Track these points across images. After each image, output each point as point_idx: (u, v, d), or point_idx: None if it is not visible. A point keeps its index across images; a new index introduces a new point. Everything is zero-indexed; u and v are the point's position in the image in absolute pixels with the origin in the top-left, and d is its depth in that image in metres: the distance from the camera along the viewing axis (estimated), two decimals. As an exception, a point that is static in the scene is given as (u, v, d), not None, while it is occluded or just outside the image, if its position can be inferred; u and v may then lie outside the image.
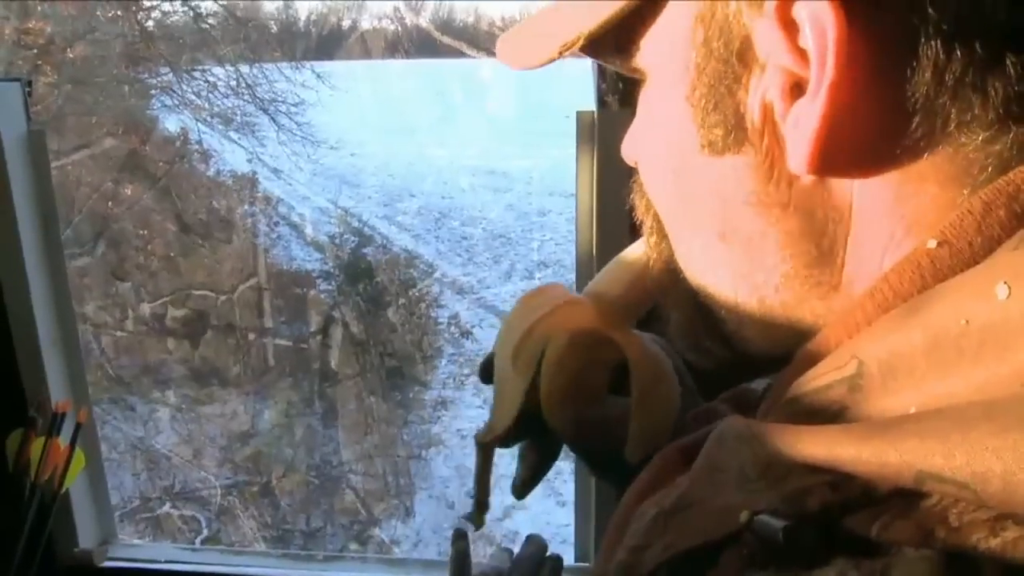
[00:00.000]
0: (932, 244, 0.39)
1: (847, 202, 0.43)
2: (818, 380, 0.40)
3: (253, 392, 6.32)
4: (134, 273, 6.38)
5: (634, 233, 1.37)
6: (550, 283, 0.81)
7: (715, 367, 0.61)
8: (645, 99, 0.53)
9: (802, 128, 0.41)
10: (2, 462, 1.41)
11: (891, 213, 0.42)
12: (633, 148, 0.58)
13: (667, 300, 0.59)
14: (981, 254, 0.38)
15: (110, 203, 6.39)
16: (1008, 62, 0.37)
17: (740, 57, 0.42)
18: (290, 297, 6.86)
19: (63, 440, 1.44)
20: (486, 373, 0.85)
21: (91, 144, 6.21)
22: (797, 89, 0.41)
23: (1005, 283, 0.34)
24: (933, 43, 0.37)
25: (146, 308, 6.23)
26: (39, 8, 6.04)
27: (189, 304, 6.32)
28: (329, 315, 6.69)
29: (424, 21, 10.54)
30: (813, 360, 0.43)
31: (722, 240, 0.49)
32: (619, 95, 1.26)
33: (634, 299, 0.76)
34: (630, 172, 1.32)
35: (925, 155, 0.40)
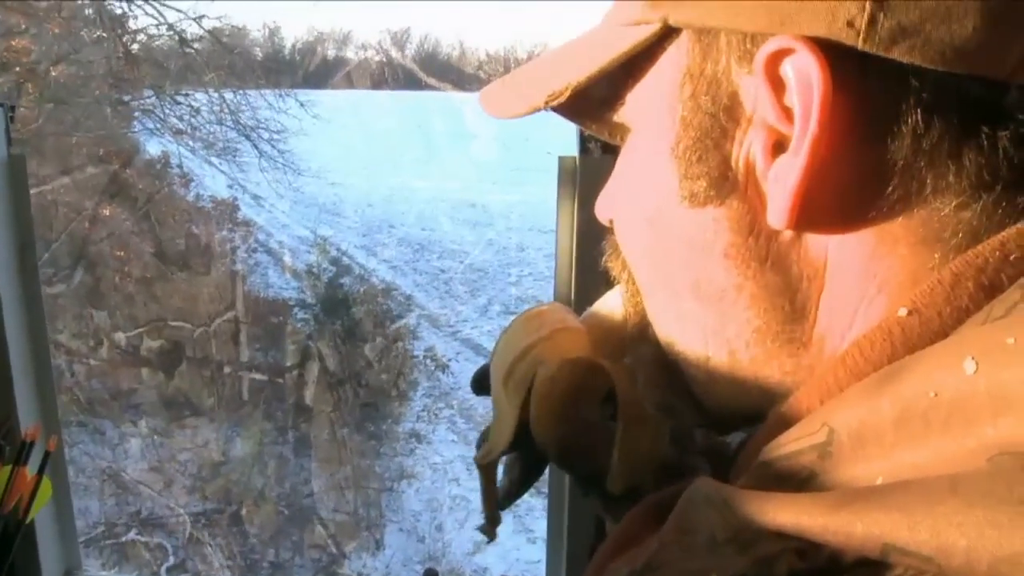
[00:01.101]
0: (903, 312, 0.40)
1: (822, 259, 0.43)
2: (789, 446, 0.40)
3: (226, 422, 6.27)
4: (111, 301, 6.34)
5: (613, 282, 1.38)
6: (552, 304, 0.80)
7: (683, 426, 0.61)
8: (625, 153, 0.53)
9: (782, 183, 0.41)
10: (-33, 489, 1.39)
11: (864, 272, 0.42)
12: (608, 205, 0.58)
13: (635, 358, 0.59)
14: (950, 324, 0.39)
15: (87, 224, 6.35)
16: (983, 134, 0.38)
17: (727, 112, 0.43)
18: (266, 326, 6.83)
19: (31, 469, 1.41)
20: (478, 385, 0.84)
21: (72, 170, 6.19)
22: (779, 147, 0.41)
23: (972, 358, 0.34)
24: (914, 111, 0.38)
25: (121, 337, 6.18)
26: (23, 27, 6.03)
27: (165, 335, 6.28)
28: (305, 346, 6.66)
29: (409, 55, 10.61)
30: (784, 424, 0.43)
31: (694, 292, 0.49)
32: (601, 142, 1.27)
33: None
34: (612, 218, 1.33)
35: (900, 217, 0.41)
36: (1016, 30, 0.36)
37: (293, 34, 10.56)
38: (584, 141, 1.29)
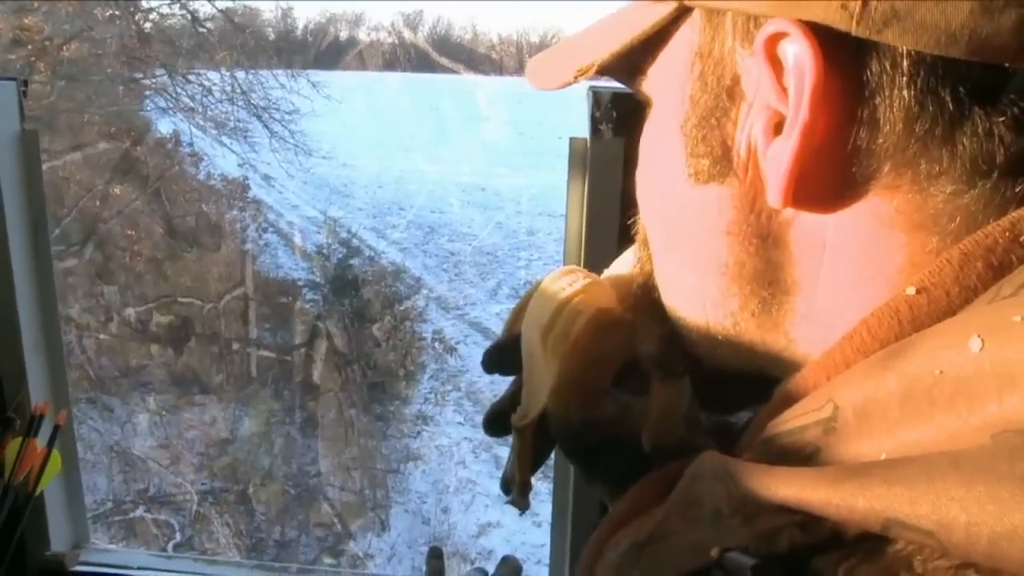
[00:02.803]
0: (911, 291, 0.40)
1: (821, 238, 0.44)
2: (794, 421, 0.41)
3: (234, 400, 6.30)
4: (121, 277, 6.35)
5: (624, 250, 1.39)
6: (570, 267, 0.80)
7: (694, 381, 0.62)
8: (646, 126, 0.54)
9: (777, 164, 0.42)
10: (-23, 461, 1.40)
11: (862, 252, 0.43)
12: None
13: (639, 317, 0.60)
14: (958, 304, 0.39)
15: (98, 200, 6.37)
16: (978, 120, 0.38)
17: (730, 93, 0.44)
18: (275, 306, 6.85)
19: (40, 442, 1.43)
20: (492, 360, 0.83)
21: (84, 146, 6.20)
22: (779, 127, 0.42)
23: (978, 336, 0.34)
24: (905, 94, 0.38)
25: (131, 313, 6.20)
26: (36, 5, 6.03)
27: (174, 311, 6.30)
28: (314, 326, 6.68)
29: (421, 37, 10.59)
30: (790, 400, 0.44)
31: (699, 265, 0.50)
32: (612, 124, 1.27)
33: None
34: (620, 200, 1.32)
35: (895, 201, 0.41)
36: (1012, 11, 0.36)
37: (305, 14, 10.54)
38: (595, 123, 1.29)
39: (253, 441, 6.14)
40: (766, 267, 0.46)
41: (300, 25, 10.36)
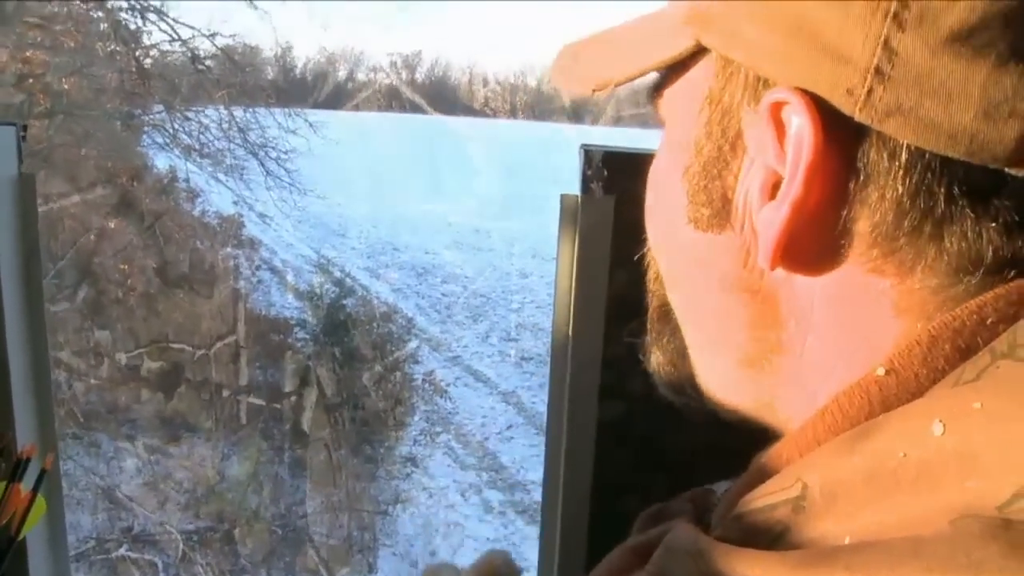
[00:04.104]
0: (881, 372, 0.41)
1: (810, 304, 0.44)
2: (765, 498, 0.41)
3: (222, 442, 6.26)
4: (113, 319, 6.33)
5: (610, 320, 1.39)
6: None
7: (695, 411, 0.62)
8: (658, 151, 0.55)
9: (767, 229, 0.42)
10: (-38, 503, 1.38)
11: (849, 324, 0.43)
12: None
13: (656, 338, 0.60)
14: (926, 385, 0.40)
15: (93, 237, 6.36)
16: (968, 222, 0.39)
17: (733, 145, 0.44)
18: (266, 345, 6.82)
19: (25, 486, 1.41)
20: None
21: (82, 187, 6.21)
22: (776, 187, 0.42)
23: (940, 421, 0.35)
24: (899, 187, 0.39)
25: (122, 357, 6.17)
26: (38, 39, 6.07)
27: (166, 356, 6.28)
28: (304, 367, 6.65)
29: (419, 78, 10.68)
30: (763, 475, 0.44)
31: (696, 305, 0.51)
32: (603, 182, 1.28)
33: None
34: (609, 258, 1.33)
35: (883, 284, 0.41)
36: (1016, 121, 0.36)
37: (305, 54, 10.62)
38: (587, 181, 1.30)
39: (241, 482, 6.10)
40: (756, 322, 0.47)
41: (299, 64, 10.44)
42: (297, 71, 10.32)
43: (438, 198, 9.50)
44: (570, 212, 1.28)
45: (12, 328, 1.39)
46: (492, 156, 9.36)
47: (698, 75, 0.46)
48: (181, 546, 5.61)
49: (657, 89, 0.50)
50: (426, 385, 7.30)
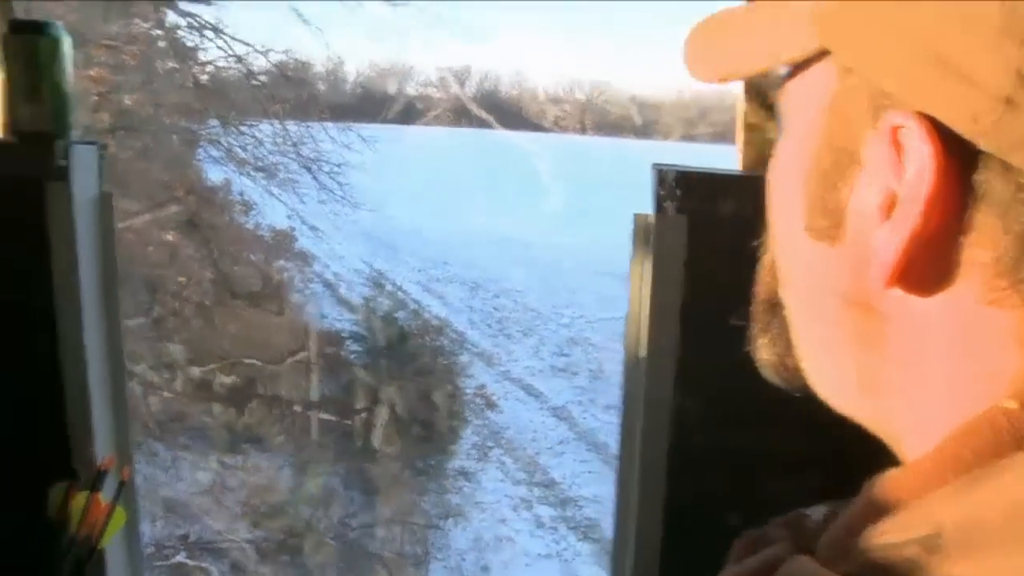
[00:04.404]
0: (1011, 404, 0.39)
1: (925, 327, 0.43)
2: (892, 535, 0.40)
3: (283, 452, 6.32)
4: (184, 336, 6.43)
5: (684, 337, 1.38)
6: None
7: (796, 390, 0.61)
8: (780, 147, 0.54)
9: (883, 251, 0.41)
10: (43, 513, 1.41)
11: (964, 352, 0.42)
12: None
13: (761, 327, 0.59)
14: None
15: (156, 253, 6.46)
16: None
17: (852, 159, 0.43)
18: (320, 357, 6.88)
19: (104, 496, 1.43)
20: None
21: (152, 206, 6.33)
22: (893, 208, 0.41)
23: None
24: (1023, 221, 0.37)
25: (195, 371, 6.26)
26: (102, 58, 6.20)
27: (238, 371, 6.37)
28: (355, 379, 6.69)
29: (469, 92, 10.72)
30: (880, 508, 0.42)
31: (807, 312, 0.50)
32: (676, 201, 1.27)
33: None
34: (683, 277, 1.32)
35: (1002, 315, 0.40)
36: None
37: (356, 69, 10.72)
38: (660, 201, 1.29)
39: (300, 493, 6.15)
40: (867, 337, 0.45)
41: (351, 79, 10.54)
42: (348, 86, 10.42)
43: (489, 211, 9.52)
44: (642, 232, 1.28)
45: (91, 344, 1.41)
46: (544, 169, 9.36)
47: (820, 76, 0.44)
48: (248, 556, 5.66)
49: (779, 85, 0.49)
50: (477, 399, 7.30)
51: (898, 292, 0.43)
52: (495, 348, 7.93)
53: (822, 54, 0.43)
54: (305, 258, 8.05)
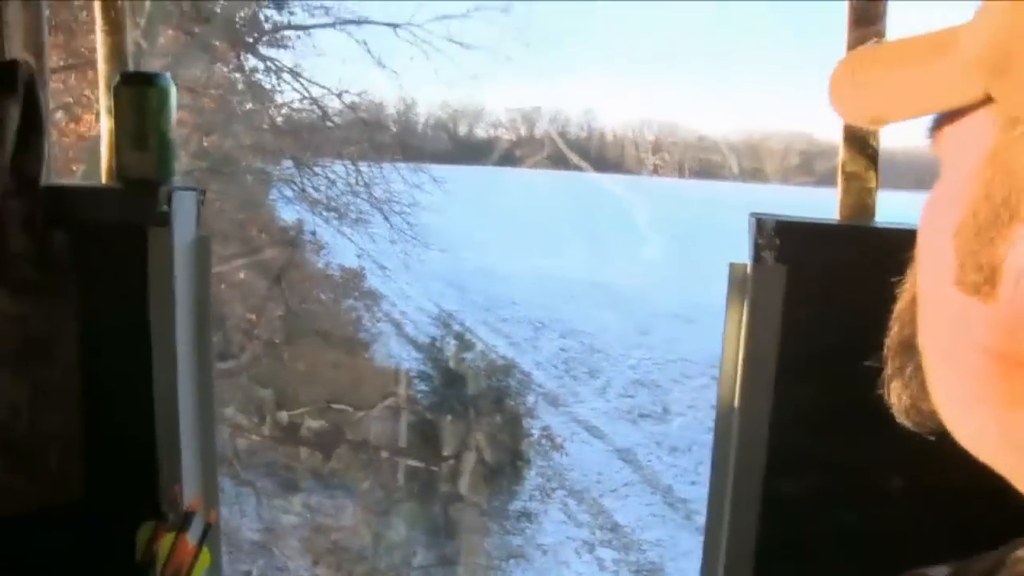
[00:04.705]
0: None
1: None
2: None
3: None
4: (274, 380, 6.55)
5: (778, 387, 1.36)
6: None
7: (929, 433, 0.59)
8: (935, 190, 0.52)
9: None
10: (131, 551, 1.43)
11: None
12: None
13: (895, 369, 0.57)
14: None
15: (224, 287, 6.59)
16: None
17: (1013, 213, 0.40)
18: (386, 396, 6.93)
19: (191, 538, 1.45)
20: None
21: (250, 252, 6.49)
22: None
23: None
24: None
25: (284, 416, 6.36)
26: (185, 100, 6.38)
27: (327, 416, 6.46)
28: (425, 420, 6.71)
29: (539, 133, 10.80)
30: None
31: (947, 364, 0.47)
32: (775, 251, 1.26)
33: None
34: (780, 328, 1.31)
35: None
36: None
37: (427, 110, 10.86)
38: (758, 250, 1.28)
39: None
40: (1016, 395, 0.44)
41: (422, 120, 10.68)
42: (420, 126, 10.56)
43: (556, 252, 9.53)
44: (738, 281, 1.27)
45: (183, 386, 1.44)
46: (613, 210, 9.36)
47: (982, 122, 0.42)
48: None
49: (936, 126, 0.47)
50: (543, 440, 7.27)
51: None
52: (561, 389, 7.90)
53: (987, 101, 0.41)
54: (374, 297, 8.14)
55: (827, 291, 1.22)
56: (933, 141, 0.47)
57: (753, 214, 1.26)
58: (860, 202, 1.25)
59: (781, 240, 1.24)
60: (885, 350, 0.56)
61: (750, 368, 1.28)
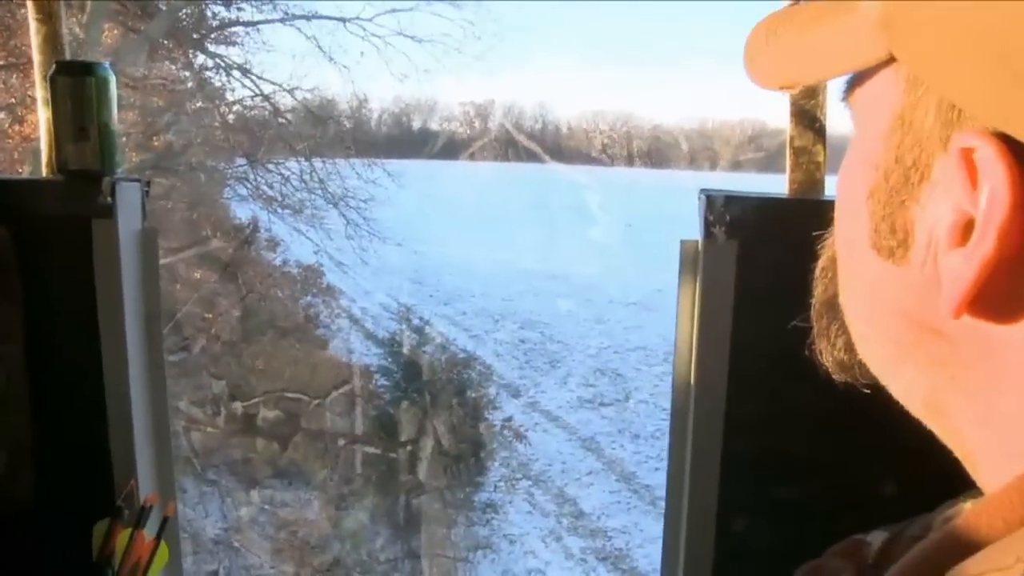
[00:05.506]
0: None
1: (1000, 350, 0.41)
2: (978, 572, 0.38)
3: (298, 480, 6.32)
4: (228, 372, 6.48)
5: (733, 365, 1.37)
6: None
7: (864, 385, 0.59)
8: (848, 152, 0.52)
9: (954, 277, 0.39)
10: (87, 550, 1.41)
11: None
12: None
13: (821, 328, 0.57)
14: None
15: (179, 286, 6.51)
16: None
17: (922, 176, 0.41)
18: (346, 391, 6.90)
19: (148, 533, 1.43)
20: None
21: (192, 244, 6.41)
22: (965, 230, 0.40)
23: None
24: None
25: (238, 407, 6.30)
26: (131, 99, 6.29)
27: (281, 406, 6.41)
28: (382, 413, 6.68)
29: (493, 125, 10.79)
30: (963, 542, 0.41)
31: (871, 325, 0.48)
32: (725, 227, 1.26)
33: None
34: (733, 303, 1.31)
35: None
36: None
37: (380, 105, 10.80)
38: (708, 226, 1.28)
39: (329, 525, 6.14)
40: (933, 358, 0.43)
41: (375, 116, 10.62)
42: (373, 122, 10.50)
43: (513, 244, 9.54)
44: (690, 258, 1.27)
45: (135, 380, 1.42)
46: (566, 200, 9.38)
47: (888, 82, 0.42)
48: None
49: (848, 88, 0.47)
50: (505, 431, 7.28)
51: (970, 319, 0.41)
52: (522, 380, 7.92)
53: (891, 61, 0.41)
54: (332, 293, 8.09)
55: (778, 265, 1.23)
56: (847, 104, 0.48)
57: (703, 190, 1.27)
58: (809, 177, 1.26)
59: (731, 216, 1.24)
60: (811, 310, 0.57)
61: (704, 344, 1.28)
